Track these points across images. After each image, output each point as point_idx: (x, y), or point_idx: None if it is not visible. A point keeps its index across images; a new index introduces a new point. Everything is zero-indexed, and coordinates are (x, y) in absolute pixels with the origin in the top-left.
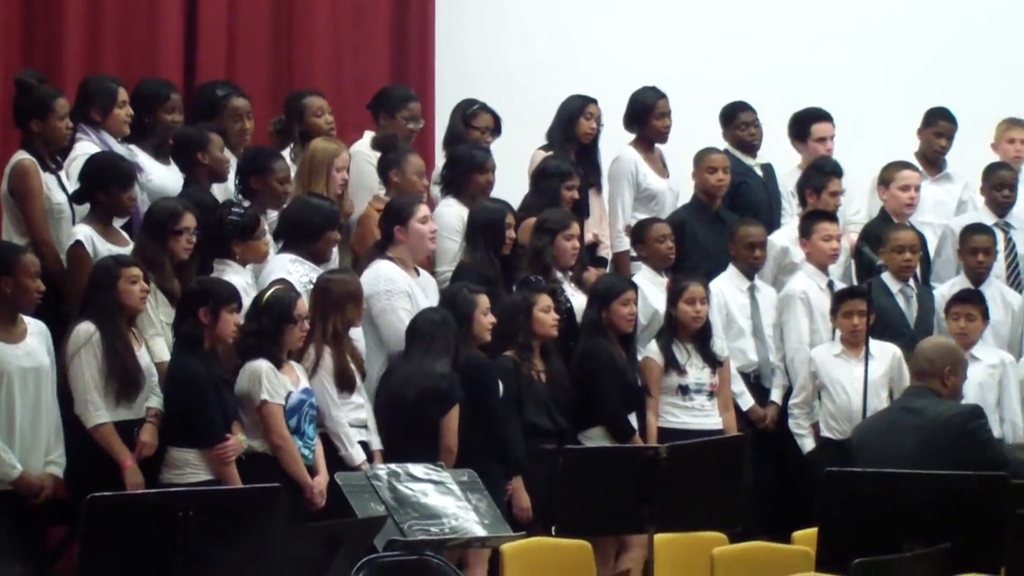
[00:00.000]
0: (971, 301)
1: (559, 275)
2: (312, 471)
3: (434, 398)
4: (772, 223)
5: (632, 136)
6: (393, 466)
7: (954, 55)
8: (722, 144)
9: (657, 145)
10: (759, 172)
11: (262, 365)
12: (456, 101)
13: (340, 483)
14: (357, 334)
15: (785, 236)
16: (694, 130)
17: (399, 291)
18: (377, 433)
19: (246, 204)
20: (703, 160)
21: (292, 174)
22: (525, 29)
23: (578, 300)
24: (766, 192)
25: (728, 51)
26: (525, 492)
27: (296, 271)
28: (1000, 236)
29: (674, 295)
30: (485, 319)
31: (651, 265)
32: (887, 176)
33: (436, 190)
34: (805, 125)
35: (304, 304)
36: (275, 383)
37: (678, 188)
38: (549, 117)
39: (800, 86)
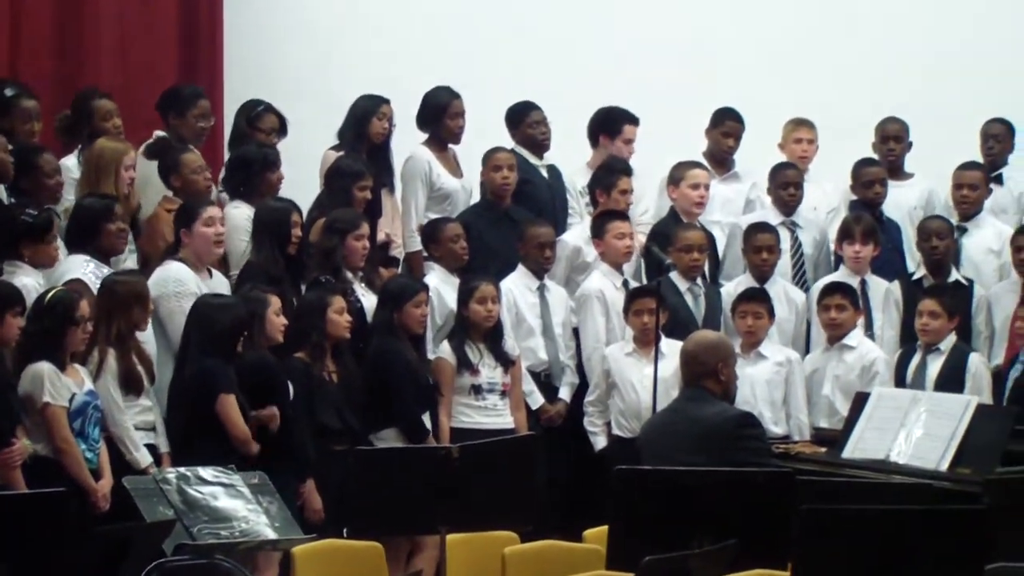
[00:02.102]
0: (757, 299)
1: (349, 275)
2: (97, 474)
3: (202, 388)
4: (557, 223)
5: (425, 136)
6: (182, 469)
7: (742, 56)
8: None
9: (450, 144)
10: (544, 172)
11: (44, 367)
12: (246, 98)
13: (128, 487)
14: (147, 336)
15: (577, 236)
16: (488, 129)
17: (188, 292)
18: (166, 435)
19: (44, 207)
20: (489, 159)
21: (76, 174)
22: (316, 26)
23: (368, 300)
24: (550, 192)
25: (520, 51)
26: (317, 494)
27: (91, 271)
28: (786, 235)
29: (465, 295)
30: (277, 320)
31: (444, 265)
32: (677, 175)
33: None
34: (617, 123)
35: (87, 305)
36: (58, 385)
37: (471, 187)
38: (340, 116)
39: (590, 87)
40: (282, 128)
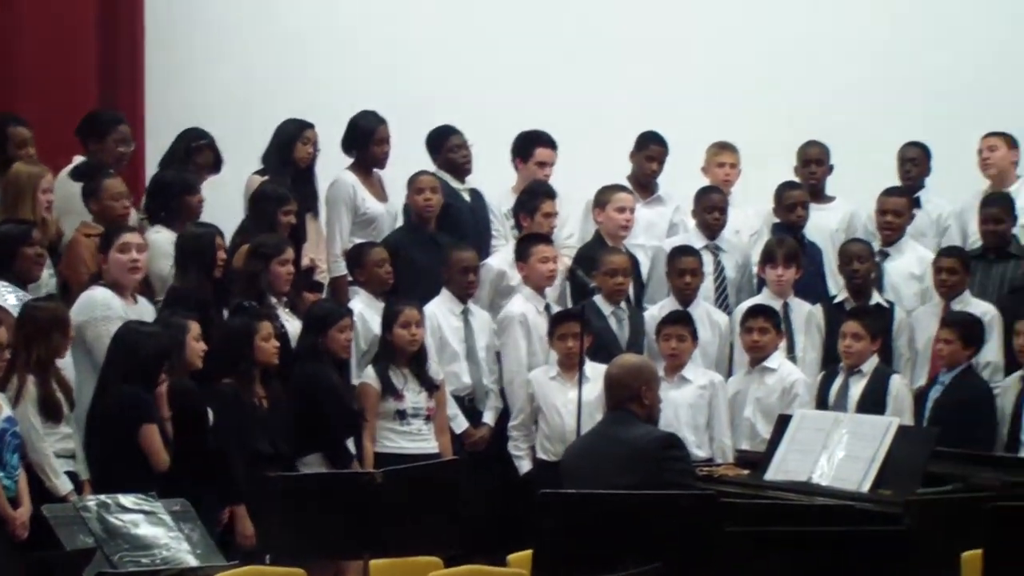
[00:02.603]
0: (681, 322)
1: (273, 301)
2: (15, 502)
3: (123, 416)
4: (480, 247)
5: (350, 160)
6: (103, 497)
7: (665, 79)
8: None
9: (375, 169)
10: (467, 196)
11: None
12: (168, 124)
13: (47, 515)
14: (67, 363)
15: (502, 260)
16: (415, 154)
17: (115, 317)
18: (85, 462)
19: None
20: (413, 183)
21: None
22: (238, 50)
23: (292, 326)
24: (473, 216)
25: (445, 74)
26: (248, 519)
27: (10, 297)
28: (710, 258)
29: (389, 319)
30: (197, 345)
31: (369, 289)
32: (603, 198)
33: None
34: (529, 146)
35: (5, 332)
36: None
37: (396, 212)
38: (264, 140)
39: (515, 111)
40: (215, 165)
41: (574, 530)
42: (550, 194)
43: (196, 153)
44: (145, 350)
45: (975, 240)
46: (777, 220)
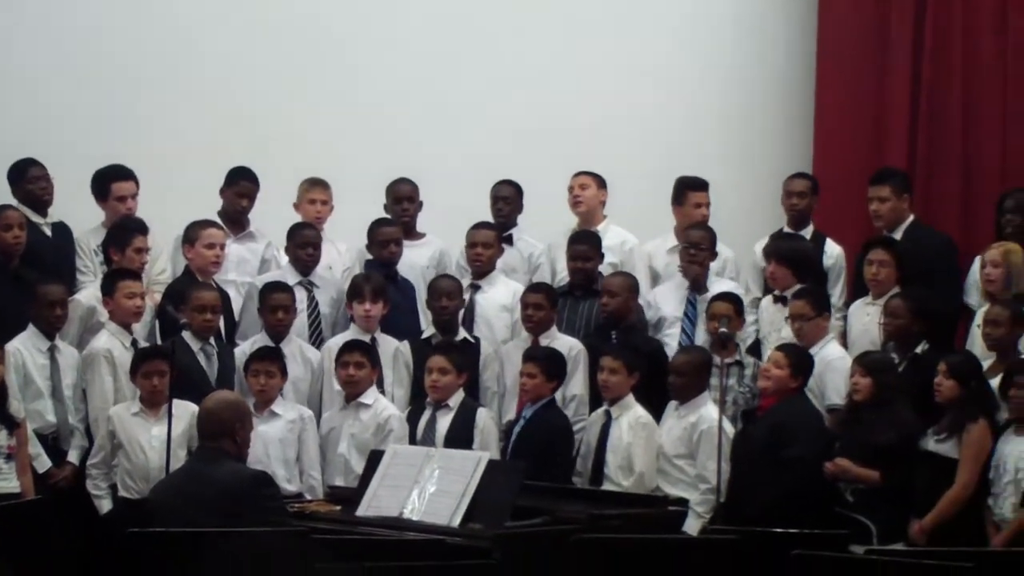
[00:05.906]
0: (268, 358)
1: None
2: None
3: None
4: (64, 282)
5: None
6: None
7: (256, 113)
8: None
9: None
10: (48, 231)
11: None
12: None
13: None
14: None
15: (91, 295)
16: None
17: None
18: None
19: None
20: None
21: None
22: None
23: None
24: (55, 250)
25: (36, 110)
26: None
27: None
28: (303, 294)
29: None
30: None
31: None
32: (192, 234)
33: None
34: (104, 183)
35: None
36: None
37: None
38: None
39: (91, 140)
40: None
41: (163, 569)
42: (142, 229)
43: None
44: None
45: (564, 277)
46: (370, 257)
